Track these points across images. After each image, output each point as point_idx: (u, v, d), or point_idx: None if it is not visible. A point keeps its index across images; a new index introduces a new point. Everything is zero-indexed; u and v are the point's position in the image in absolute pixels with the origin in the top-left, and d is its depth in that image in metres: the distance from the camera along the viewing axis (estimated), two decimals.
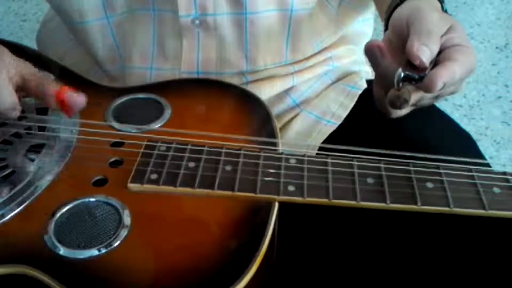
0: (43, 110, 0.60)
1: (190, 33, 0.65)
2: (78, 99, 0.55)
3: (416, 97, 0.51)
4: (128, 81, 0.69)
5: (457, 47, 0.51)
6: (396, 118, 0.61)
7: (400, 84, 0.50)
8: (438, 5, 0.57)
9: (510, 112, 1.56)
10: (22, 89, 0.55)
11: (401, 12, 0.55)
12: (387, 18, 0.60)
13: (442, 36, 0.52)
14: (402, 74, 0.50)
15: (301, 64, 0.71)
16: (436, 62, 0.51)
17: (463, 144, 0.67)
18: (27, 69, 0.56)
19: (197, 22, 0.64)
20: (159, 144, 0.55)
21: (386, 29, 0.61)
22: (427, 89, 0.49)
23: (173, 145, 0.55)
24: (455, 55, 0.50)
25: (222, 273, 0.45)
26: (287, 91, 0.72)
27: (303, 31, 0.68)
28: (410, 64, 0.51)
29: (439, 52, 0.52)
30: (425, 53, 0.50)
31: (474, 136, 0.68)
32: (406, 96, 0.50)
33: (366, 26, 0.77)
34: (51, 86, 0.55)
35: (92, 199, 0.51)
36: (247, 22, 0.65)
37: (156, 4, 0.64)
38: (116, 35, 0.67)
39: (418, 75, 0.50)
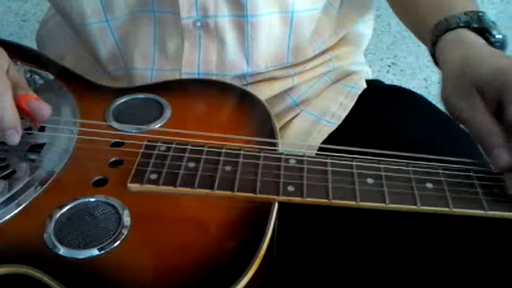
0: None
1: (191, 35, 0.65)
2: (40, 107, 0.53)
3: None
4: (130, 82, 0.69)
5: None
6: (395, 118, 0.61)
7: None
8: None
9: None
10: None
11: (484, 66, 0.51)
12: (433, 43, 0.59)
13: None
14: None
15: (302, 67, 0.71)
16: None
17: (463, 144, 0.67)
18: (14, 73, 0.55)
19: (198, 24, 0.64)
20: (159, 144, 0.55)
21: (433, 55, 0.59)
22: None
23: (173, 145, 0.55)
24: None
25: (222, 273, 0.46)
26: (287, 91, 0.72)
27: (305, 33, 0.68)
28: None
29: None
30: None
31: None
32: None
33: (366, 27, 0.77)
34: (18, 92, 0.53)
35: (92, 199, 0.51)
36: (248, 25, 0.65)
37: (157, 6, 0.64)
38: (117, 37, 0.67)
39: None
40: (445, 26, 0.57)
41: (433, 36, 0.58)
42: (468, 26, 0.56)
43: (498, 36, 0.56)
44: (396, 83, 1.63)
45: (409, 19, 0.67)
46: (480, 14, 0.57)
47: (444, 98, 0.55)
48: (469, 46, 0.55)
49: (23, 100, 0.53)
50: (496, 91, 0.49)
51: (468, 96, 0.51)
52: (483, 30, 0.56)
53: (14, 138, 0.52)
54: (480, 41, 0.56)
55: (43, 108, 0.53)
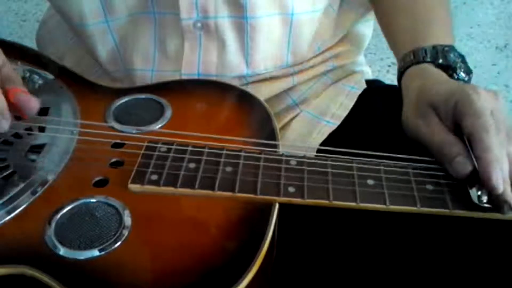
0: (43, 111, 0.60)
1: (192, 36, 0.65)
2: (28, 100, 0.53)
3: None
4: (129, 83, 0.69)
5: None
6: (395, 118, 0.61)
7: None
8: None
9: (511, 112, 1.56)
10: None
11: (438, 89, 0.55)
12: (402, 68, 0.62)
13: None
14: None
15: (301, 66, 0.71)
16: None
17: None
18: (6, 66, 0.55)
19: (198, 25, 0.64)
20: (159, 145, 0.55)
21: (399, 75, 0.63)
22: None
23: (174, 146, 0.55)
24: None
25: (222, 274, 0.46)
26: (287, 91, 0.72)
27: (304, 35, 0.68)
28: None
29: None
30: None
31: None
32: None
33: (366, 27, 0.77)
34: (8, 85, 0.53)
35: (92, 200, 0.51)
36: (247, 26, 0.65)
37: (157, 7, 0.64)
38: (116, 38, 0.67)
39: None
40: (410, 61, 0.61)
41: (400, 66, 0.63)
42: (433, 62, 0.60)
43: (462, 75, 0.60)
44: (396, 83, 1.63)
45: (386, 35, 0.70)
46: (447, 49, 0.60)
47: (405, 121, 0.59)
48: (429, 77, 0.59)
49: (11, 93, 0.52)
50: (451, 109, 0.53)
51: (425, 115, 0.55)
52: (447, 67, 0.60)
53: (2, 124, 0.52)
54: (441, 75, 0.59)
55: (31, 102, 0.53)
